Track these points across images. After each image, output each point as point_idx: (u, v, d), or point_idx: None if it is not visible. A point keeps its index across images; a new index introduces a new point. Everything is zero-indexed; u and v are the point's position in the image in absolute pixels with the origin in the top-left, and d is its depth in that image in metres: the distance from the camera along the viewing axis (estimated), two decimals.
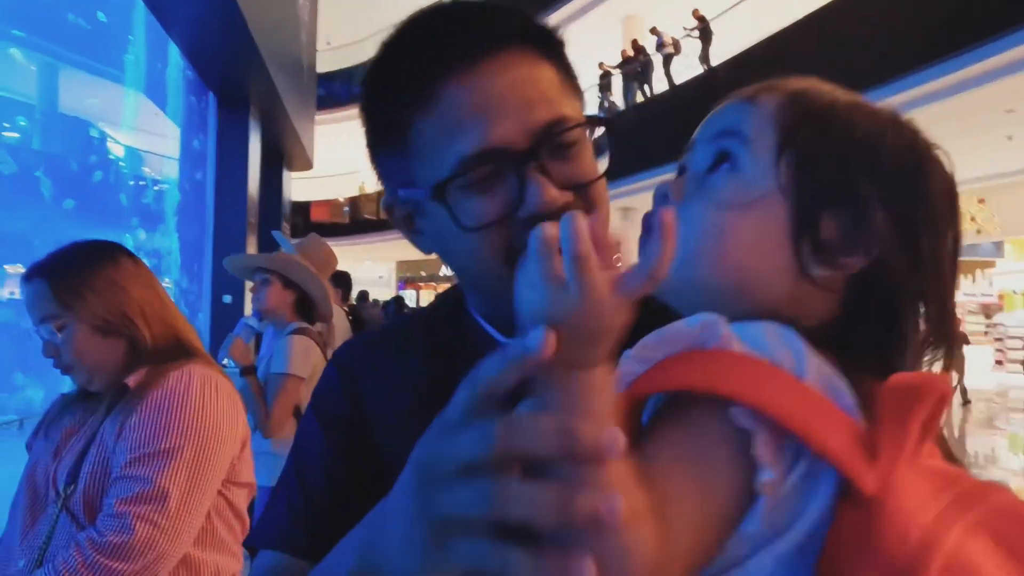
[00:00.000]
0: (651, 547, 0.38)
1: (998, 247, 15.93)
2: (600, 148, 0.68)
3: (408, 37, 0.67)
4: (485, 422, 0.37)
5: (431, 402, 0.74)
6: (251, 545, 0.78)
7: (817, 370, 0.45)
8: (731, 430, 0.43)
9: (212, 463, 1.30)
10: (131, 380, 1.32)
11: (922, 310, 0.52)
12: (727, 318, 0.48)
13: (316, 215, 21.12)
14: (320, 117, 17.17)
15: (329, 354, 2.78)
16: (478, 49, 0.63)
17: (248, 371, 2.59)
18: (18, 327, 8.03)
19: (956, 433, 8.90)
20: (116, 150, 11.11)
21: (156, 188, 11.22)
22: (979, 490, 0.45)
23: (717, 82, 10.95)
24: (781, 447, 0.43)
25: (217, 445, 1.31)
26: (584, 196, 0.65)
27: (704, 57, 12.47)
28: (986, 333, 16.40)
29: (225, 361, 2.55)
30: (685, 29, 12.98)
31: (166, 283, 9.10)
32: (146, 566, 1.19)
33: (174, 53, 9.09)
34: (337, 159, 20.58)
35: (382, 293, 17.79)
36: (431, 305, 0.85)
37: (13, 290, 8.97)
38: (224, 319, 8.69)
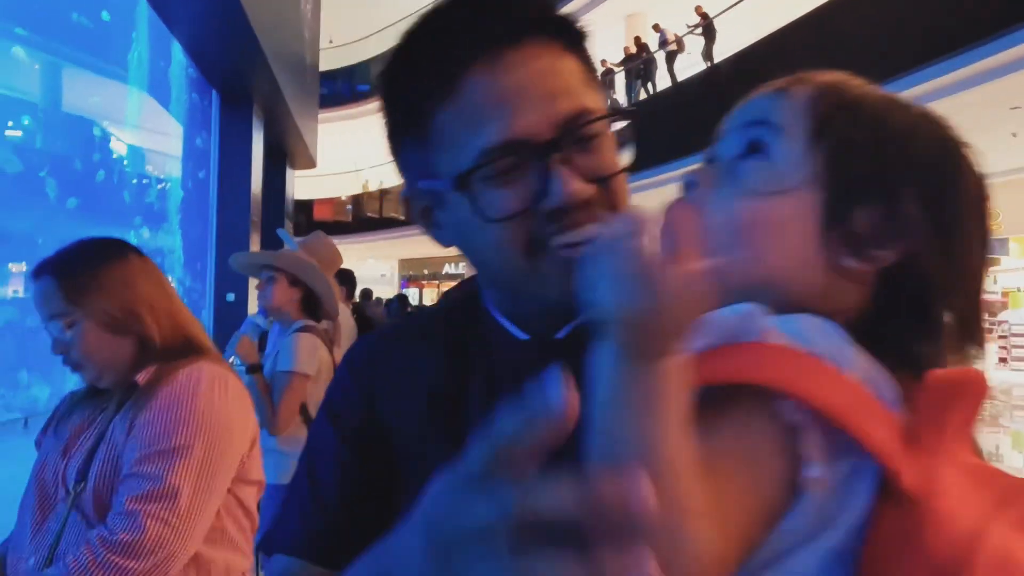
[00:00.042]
0: (712, 544, 0.38)
1: (1002, 245, 15.90)
2: (623, 141, 0.67)
3: (430, 27, 0.66)
4: (501, 487, 0.35)
5: (447, 402, 0.73)
6: (265, 549, 0.78)
7: (859, 364, 0.45)
8: (777, 424, 0.43)
9: (222, 461, 1.29)
10: (140, 377, 1.31)
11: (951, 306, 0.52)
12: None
13: (319, 213, 21.12)
14: (322, 115, 17.17)
15: (336, 352, 2.78)
16: (502, 39, 0.62)
17: (254, 369, 2.59)
18: (22, 325, 8.04)
19: None
20: (119, 149, 11.11)
21: (159, 186, 11.23)
22: (1019, 487, 0.44)
23: (720, 79, 10.93)
24: (827, 442, 0.42)
25: (227, 443, 1.31)
26: (607, 189, 0.65)
27: (707, 54, 12.45)
28: (990, 331, 16.37)
29: (231, 359, 2.55)
30: (688, 26, 12.97)
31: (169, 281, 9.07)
32: (157, 564, 1.18)
33: (177, 51, 9.09)
34: (339, 157, 20.61)
35: (385, 291, 17.79)
36: (446, 302, 0.84)
37: (17, 288, 8.97)
38: (227, 317, 8.70)
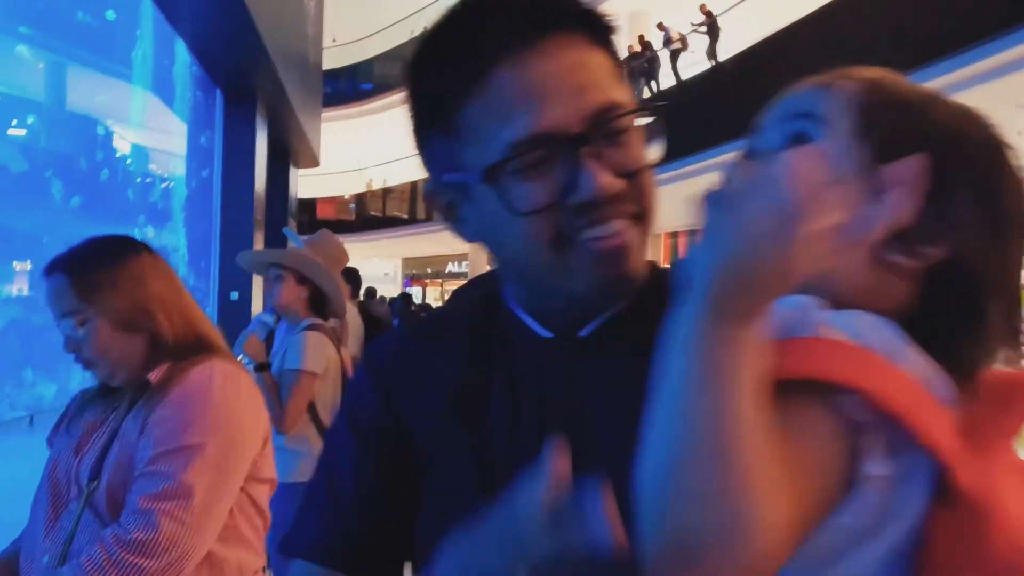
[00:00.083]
0: (776, 521, 0.38)
1: None
2: (651, 135, 0.67)
3: (458, 20, 0.66)
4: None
5: (468, 401, 0.73)
6: (284, 552, 0.77)
7: (915, 361, 0.44)
8: (837, 418, 0.42)
9: (235, 460, 1.29)
10: (153, 376, 1.31)
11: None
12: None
13: (322, 212, 21.14)
14: (325, 114, 17.18)
15: (343, 351, 2.78)
16: (530, 33, 0.62)
17: (262, 367, 2.59)
18: (28, 323, 8.05)
19: None
20: (123, 147, 11.12)
21: (163, 185, 11.24)
22: None
23: (724, 78, 10.91)
24: (887, 439, 0.42)
25: (240, 441, 1.30)
26: (635, 183, 0.64)
27: (711, 53, 12.43)
28: None
29: (240, 357, 2.55)
30: (692, 24, 12.94)
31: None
32: (171, 563, 1.18)
33: (181, 50, 9.09)
34: (342, 156, 20.61)
35: (388, 290, 17.80)
36: (463, 301, 0.83)
37: (22, 287, 8.99)
38: (231, 316, 8.70)
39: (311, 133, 13.63)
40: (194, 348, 1.37)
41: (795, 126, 0.54)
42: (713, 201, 0.42)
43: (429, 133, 0.69)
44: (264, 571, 1.43)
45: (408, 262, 26.56)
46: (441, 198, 0.71)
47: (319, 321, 2.68)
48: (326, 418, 2.65)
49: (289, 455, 2.53)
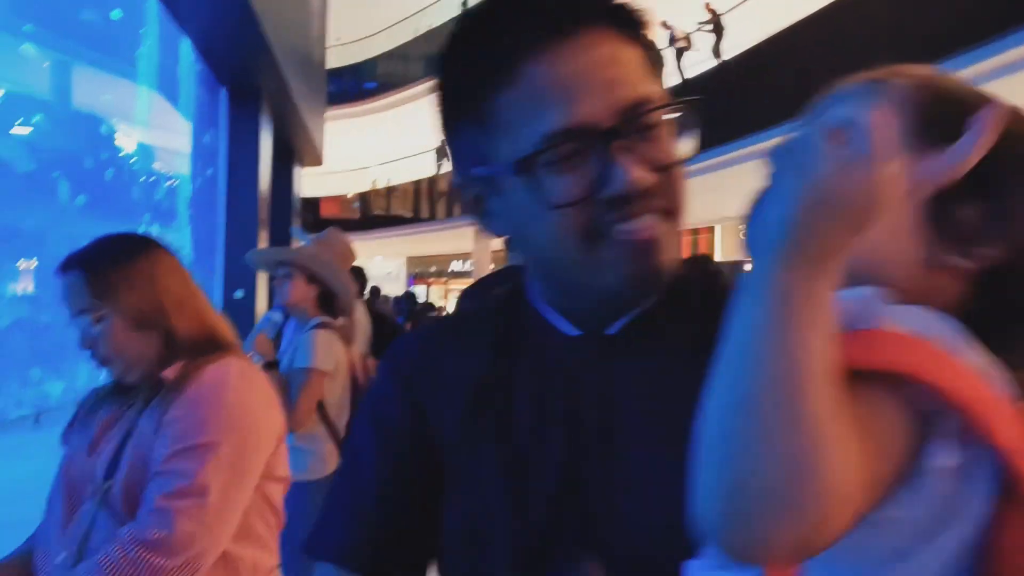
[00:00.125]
0: (847, 475, 0.38)
1: None
2: (682, 130, 0.66)
3: (490, 12, 0.66)
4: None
5: (494, 401, 0.72)
6: (307, 553, 0.77)
7: (977, 359, 0.44)
8: (903, 408, 0.42)
9: (251, 458, 1.29)
10: (168, 374, 1.31)
11: None
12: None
13: (326, 211, 21.16)
14: (329, 113, 17.19)
15: (352, 349, 2.78)
16: (563, 26, 0.61)
17: (271, 366, 2.59)
18: (34, 322, 8.07)
19: None
20: (128, 146, 11.14)
21: (168, 184, 11.26)
22: None
23: (729, 76, 10.89)
24: (952, 431, 0.42)
25: (255, 440, 1.30)
26: (667, 178, 0.64)
27: (716, 51, 12.41)
28: None
29: (249, 355, 2.55)
30: (697, 23, 12.92)
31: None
32: (187, 561, 1.18)
33: (186, 48, 9.10)
34: (345, 155, 20.61)
35: (392, 289, 17.81)
36: (488, 299, 0.82)
37: (27, 286, 9.01)
38: (236, 314, 8.65)
39: (315, 132, 13.62)
40: (208, 346, 1.36)
41: None
42: (781, 152, 0.43)
43: (459, 126, 0.69)
44: (277, 569, 1.43)
45: (412, 261, 26.57)
46: (469, 192, 0.71)
47: (328, 319, 2.67)
48: (335, 417, 2.65)
49: (298, 454, 2.53)
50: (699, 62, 12.57)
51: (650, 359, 0.69)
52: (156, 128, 11.41)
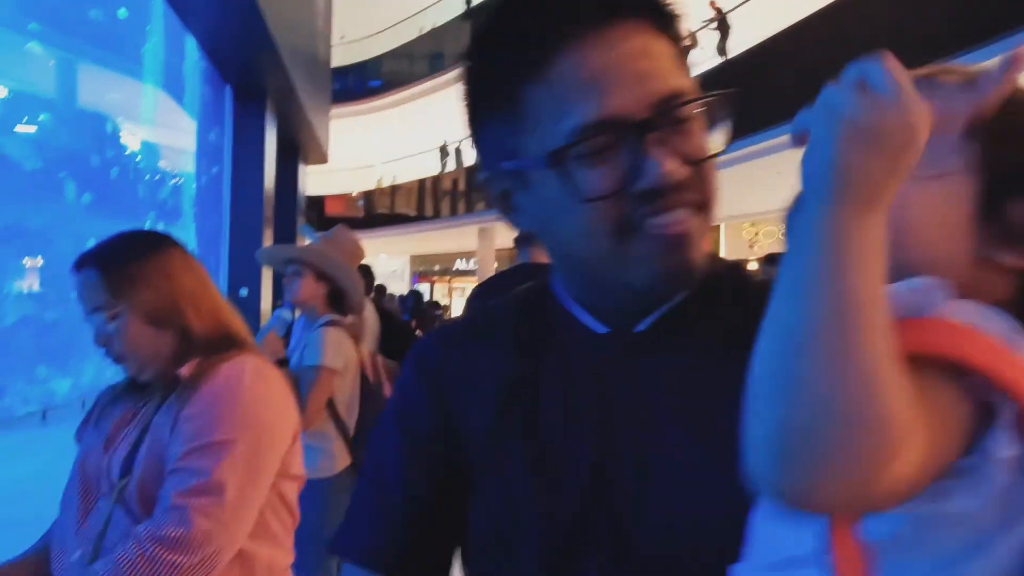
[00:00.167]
0: (901, 412, 0.39)
1: None
2: (714, 123, 0.66)
3: (520, 5, 0.65)
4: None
5: (520, 399, 0.71)
6: (334, 553, 0.77)
7: None
8: (962, 396, 0.43)
9: (267, 456, 1.28)
10: (183, 371, 1.30)
11: None
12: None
13: (331, 209, 21.17)
14: (333, 111, 17.19)
15: (362, 347, 2.77)
16: (596, 18, 0.61)
17: (280, 364, 2.59)
18: (40, 319, 8.09)
19: None
20: (134, 144, 11.16)
21: (173, 182, 11.28)
22: None
23: (734, 74, 10.87)
24: (1014, 422, 0.41)
25: (271, 438, 1.30)
26: (699, 172, 0.63)
27: (721, 49, 12.38)
28: None
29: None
30: (703, 20, 12.90)
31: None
32: (204, 559, 1.17)
33: (191, 47, 9.11)
34: (350, 153, 20.63)
35: (396, 287, 17.83)
36: (511, 297, 0.82)
37: (33, 283, 9.03)
38: (241, 312, 8.70)
39: (320, 130, 13.63)
40: (223, 344, 1.36)
41: None
42: (813, 109, 0.45)
43: (486, 121, 0.68)
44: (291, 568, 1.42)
45: (416, 259, 26.59)
46: (495, 187, 0.70)
47: (338, 317, 2.67)
48: (345, 415, 2.64)
49: (307, 452, 2.50)
50: (704, 60, 12.56)
51: (680, 356, 0.69)
52: (161, 126, 11.43)
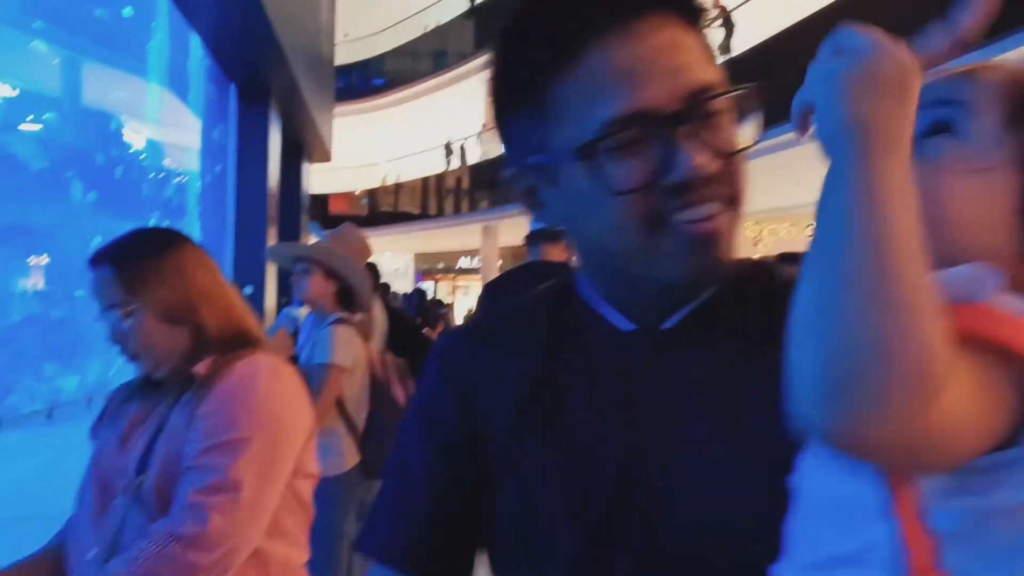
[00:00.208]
0: (937, 351, 0.39)
1: None
2: (744, 117, 0.65)
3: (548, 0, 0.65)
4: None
5: (545, 397, 0.71)
6: (359, 552, 0.77)
7: None
8: (1013, 382, 0.43)
9: (281, 454, 1.28)
10: (198, 369, 1.30)
11: None
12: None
13: (334, 207, 21.18)
14: (337, 109, 17.19)
15: (371, 345, 2.77)
16: (625, 12, 0.60)
17: (290, 361, 2.58)
18: (46, 318, 8.10)
19: None
20: (138, 143, 11.17)
21: (177, 180, 11.29)
22: None
23: (738, 72, 10.83)
24: None
25: (286, 436, 1.30)
26: (729, 166, 0.63)
27: (725, 47, 12.36)
28: None
29: None
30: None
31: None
32: (220, 558, 1.17)
33: (196, 45, 9.11)
34: (354, 151, 20.63)
35: (400, 285, 17.83)
36: (533, 295, 0.81)
37: (39, 282, 9.04)
38: None
39: (323, 128, 13.63)
40: (238, 342, 1.36)
41: (936, 113, 0.54)
42: (809, 81, 0.48)
43: (514, 115, 0.68)
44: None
45: (420, 257, 26.59)
46: (522, 182, 0.70)
47: (347, 315, 2.67)
48: (354, 412, 2.65)
49: (319, 449, 2.53)
50: None
51: (707, 352, 0.68)
52: (166, 125, 11.43)
